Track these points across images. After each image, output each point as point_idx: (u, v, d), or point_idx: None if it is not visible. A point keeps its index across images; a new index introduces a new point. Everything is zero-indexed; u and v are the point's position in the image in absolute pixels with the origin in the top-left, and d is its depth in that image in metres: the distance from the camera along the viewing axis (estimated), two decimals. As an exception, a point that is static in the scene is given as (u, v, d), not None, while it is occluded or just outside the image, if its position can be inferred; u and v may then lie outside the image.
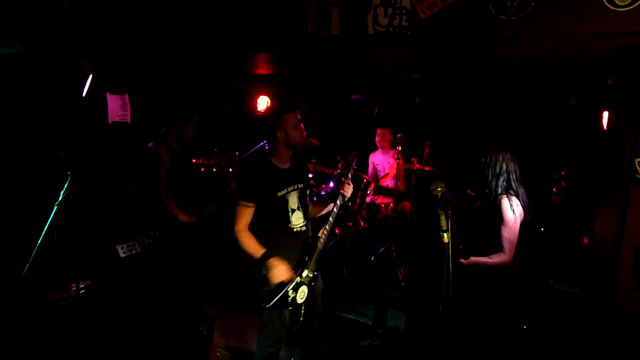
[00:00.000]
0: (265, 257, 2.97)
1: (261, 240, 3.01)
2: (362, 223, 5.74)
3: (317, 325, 3.49)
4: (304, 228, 3.21)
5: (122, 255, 4.59)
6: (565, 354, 3.64)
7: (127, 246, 4.73)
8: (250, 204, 3.01)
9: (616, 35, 2.65)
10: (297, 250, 3.12)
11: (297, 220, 3.17)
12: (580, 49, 2.90)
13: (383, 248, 5.42)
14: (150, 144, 4.00)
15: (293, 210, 3.15)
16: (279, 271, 2.96)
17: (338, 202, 3.15)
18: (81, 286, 4.05)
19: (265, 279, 3.02)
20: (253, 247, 2.98)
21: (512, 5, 2.68)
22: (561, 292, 3.84)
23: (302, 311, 3.14)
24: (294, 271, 3.05)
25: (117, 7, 3.44)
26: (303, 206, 3.24)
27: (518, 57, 3.19)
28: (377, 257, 5.37)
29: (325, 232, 3.12)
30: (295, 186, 3.18)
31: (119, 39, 3.54)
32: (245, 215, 3.00)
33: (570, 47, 2.83)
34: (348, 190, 3.18)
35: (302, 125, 3.17)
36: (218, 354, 4.07)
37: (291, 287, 3.00)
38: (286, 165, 3.19)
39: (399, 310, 4.63)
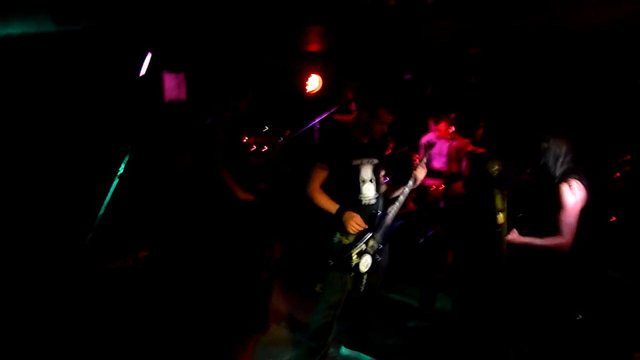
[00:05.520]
0: (341, 211, 3.14)
1: (347, 206, 3.20)
2: (411, 204, 5.67)
3: (372, 302, 3.59)
4: (373, 201, 3.32)
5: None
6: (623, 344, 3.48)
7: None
8: (325, 167, 3.20)
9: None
10: (364, 221, 3.22)
11: (368, 192, 3.28)
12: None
13: (432, 230, 5.34)
14: (208, 121, 4.10)
15: (364, 182, 3.27)
16: (357, 220, 3.12)
17: (410, 183, 3.29)
18: (140, 255, 4.24)
19: (333, 244, 3.24)
20: (328, 203, 3.20)
21: (583, -32, 2.52)
22: (621, 282, 3.68)
23: (364, 281, 3.24)
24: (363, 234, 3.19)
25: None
26: (376, 180, 3.35)
27: (585, 26, 3.00)
28: (426, 239, 5.30)
29: (394, 208, 3.26)
30: (371, 160, 3.31)
31: (177, 17, 3.62)
32: (319, 177, 3.21)
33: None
34: (422, 174, 3.32)
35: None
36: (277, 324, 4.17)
37: (356, 252, 3.15)
38: (365, 140, 3.34)
39: (447, 293, 4.57)
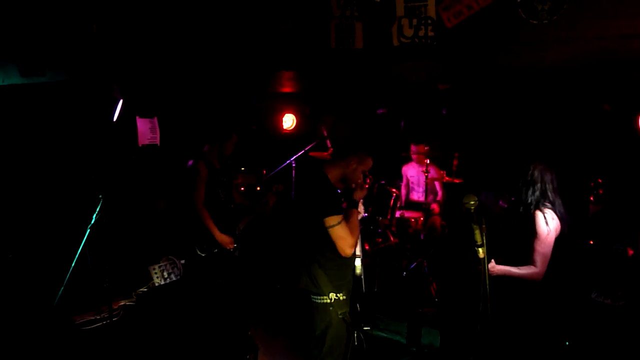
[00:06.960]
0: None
1: (332, 263, 2.90)
2: (392, 238, 5.64)
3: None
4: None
5: (157, 283, 4.63)
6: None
7: (159, 267, 4.77)
8: (340, 217, 2.79)
9: (654, 35, 2.55)
10: (350, 271, 3.08)
11: None
12: (614, 50, 2.79)
13: (415, 263, 5.30)
14: (190, 162, 4.06)
15: None
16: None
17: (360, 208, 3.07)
18: (114, 307, 4.08)
19: (326, 305, 2.93)
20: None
21: (543, 9, 2.60)
22: (604, 306, 3.67)
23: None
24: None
25: (143, 32, 3.52)
26: None
27: (550, 61, 3.10)
28: (409, 273, 5.25)
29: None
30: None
31: (147, 63, 3.61)
32: (343, 225, 2.78)
33: (604, 49, 2.74)
34: (359, 195, 2.98)
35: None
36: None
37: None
38: (340, 188, 3.03)
39: (433, 327, 4.50)
